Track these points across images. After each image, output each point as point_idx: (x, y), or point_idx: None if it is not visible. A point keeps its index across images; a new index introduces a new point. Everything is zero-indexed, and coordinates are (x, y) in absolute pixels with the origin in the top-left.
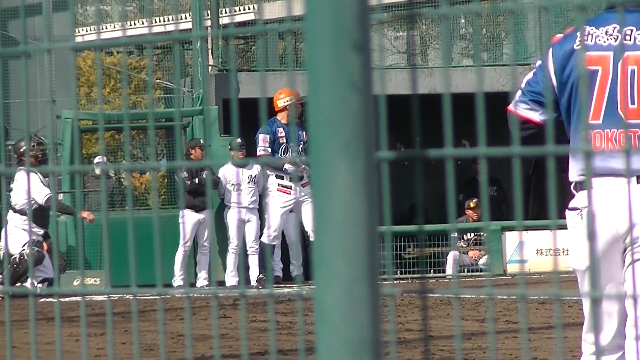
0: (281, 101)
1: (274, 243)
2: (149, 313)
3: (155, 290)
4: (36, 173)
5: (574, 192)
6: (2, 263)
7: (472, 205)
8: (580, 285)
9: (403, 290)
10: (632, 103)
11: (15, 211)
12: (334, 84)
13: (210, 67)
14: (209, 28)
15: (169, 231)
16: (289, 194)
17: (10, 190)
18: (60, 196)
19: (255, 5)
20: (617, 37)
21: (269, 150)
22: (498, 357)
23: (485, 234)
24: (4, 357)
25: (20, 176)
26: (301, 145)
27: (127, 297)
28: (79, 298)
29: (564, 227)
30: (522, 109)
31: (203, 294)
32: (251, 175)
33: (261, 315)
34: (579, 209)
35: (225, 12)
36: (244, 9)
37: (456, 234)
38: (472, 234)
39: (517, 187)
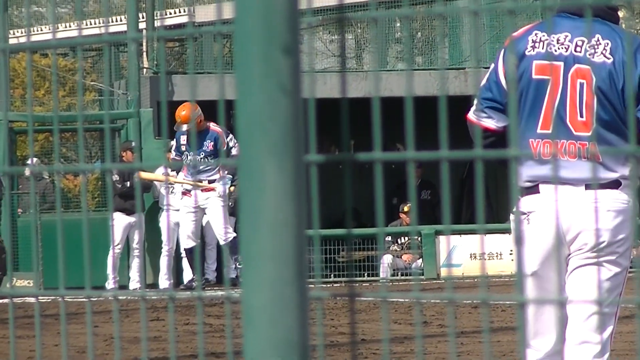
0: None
1: (190, 246)
2: (82, 315)
3: (85, 293)
4: None
5: (519, 196)
6: None
7: (405, 209)
8: (526, 290)
9: (332, 294)
10: (581, 116)
11: None
12: (264, 86)
13: (144, 70)
14: (144, 30)
15: (102, 233)
16: (190, 196)
17: None
18: None
19: (189, 8)
20: (568, 46)
21: (174, 154)
22: None
23: (418, 238)
24: None
25: None
26: (202, 155)
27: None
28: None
29: (493, 231)
30: (482, 118)
31: (135, 297)
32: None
33: (194, 318)
34: (524, 213)
35: (159, 15)
36: (178, 12)
37: (390, 238)
38: (406, 238)
39: (445, 191)
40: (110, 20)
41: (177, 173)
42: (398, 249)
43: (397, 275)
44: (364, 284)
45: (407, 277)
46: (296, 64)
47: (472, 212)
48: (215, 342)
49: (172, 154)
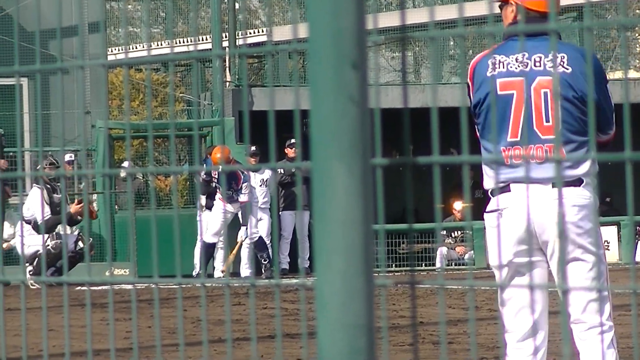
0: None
1: (213, 241)
2: (172, 300)
3: (175, 280)
4: (42, 190)
5: (491, 196)
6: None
7: (458, 206)
8: (497, 279)
9: (395, 282)
10: (547, 121)
11: (23, 220)
12: (334, 98)
13: (227, 83)
14: (227, 48)
15: (190, 228)
16: (225, 203)
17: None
18: (94, 196)
19: (267, 28)
20: (527, 63)
21: (203, 176)
22: (479, 341)
23: (470, 232)
24: (42, 339)
25: (31, 192)
26: (231, 190)
27: (153, 286)
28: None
29: None
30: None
31: (219, 284)
32: (263, 179)
33: (272, 303)
34: (497, 210)
35: (241, 34)
36: (258, 32)
37: (444, 232)
38: (459, 232)
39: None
40: (197, 39)
41: (206, 193)
42: (452, 242)
43: (451, 265)
44: (422, 273)
45: (460, 267)
46: (363, 77)
47: None
48: (290, 325)
49: (203, 175)
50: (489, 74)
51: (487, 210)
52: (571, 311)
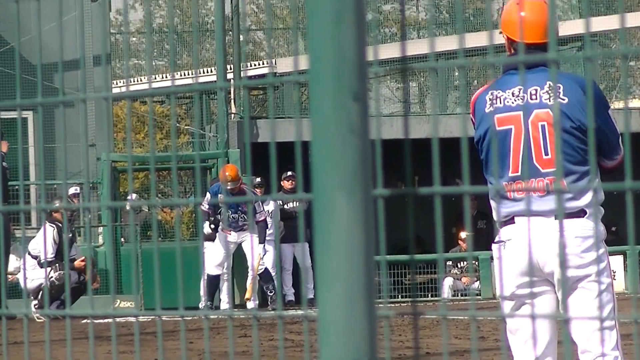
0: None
1: (217, 273)
2: (179, 332)
3: (179, 313)
4: (53, 229)
5: (499, 228)
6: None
7: (463, 236)
8: (502, 309)
9: (398, 312)
10: (547, 154)
11: (29, 254)
12: (335, 129)
13: (232, 115)
14: (231, 80)
15: (196, 260)
16: (229, 233)
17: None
18: (100, 229)
19: (270, 60)
20: (524, 97)
21: (206, 206)
22: None
23: (475, 262)
24: None
25: (42, 228)
26: (237, 213)
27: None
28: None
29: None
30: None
31: (224, 316)
32: (268, 211)
33: (278, 335)
34: (502, 241)
35: (245, 66)
36: (262, 63)
37: (450, 262)
38: (465, 262)
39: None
40: (201, 71)
41: (208, 222)
42: (458, 272)
43: (458, 295)
44: (428, 304)
45: (466, 297)
46: (364, 108)
47: None
48: (297, 356)
49: (205, 207)
50: (487, 110)
51: (494, 241)
52: (577, 341)
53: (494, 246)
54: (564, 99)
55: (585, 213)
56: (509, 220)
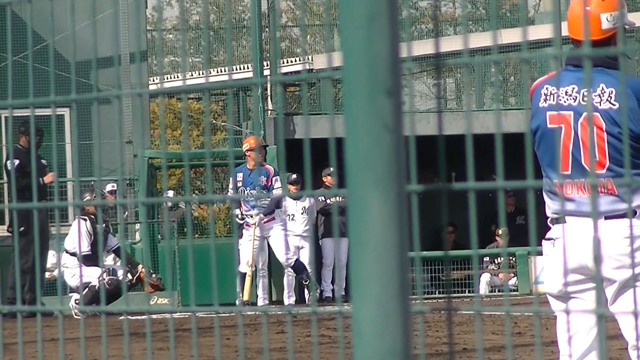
0: (243, 148)
1: (244, 271)
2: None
3: (213, 309)
4: (85, 221)
5: (550, 225)
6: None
7: (499, 232)
8: (552, 306)
9: (432, 308)
10: (595, 157)
11: (67, 252)
12: (369, 125)
13: (269, 112)
14: (268, 76)
15: (232, 256)
16: (250, 227)
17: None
18: (137, 226)
19: (305, 57)
20: (576, 97)
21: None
22: None
23: (512, 258)
24: None
25: (74, 223)
26: (256, 189)
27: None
28: (154, 315)
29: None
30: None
31: (259, 312)
32: (304, 207)
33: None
34: (552, 239)
35: (281, 63)
36: (298, 60)
37: (488, 258)
38: (502, 258)
39: (531, 216)
40: (238, 68)
41: (237, 208)
42: (495, 269)
43: (495, 291)
44: (465, 300)
45: (502, 294)
46: (397, 105)
47: None
48: (334, 352)
49: (230, 192)
50: (540, 105)
51: (545, 237)
52: (627, 338)
53: (545, 243)
54: (614, 105)
55: (636, 213)
56: (559, 219)
